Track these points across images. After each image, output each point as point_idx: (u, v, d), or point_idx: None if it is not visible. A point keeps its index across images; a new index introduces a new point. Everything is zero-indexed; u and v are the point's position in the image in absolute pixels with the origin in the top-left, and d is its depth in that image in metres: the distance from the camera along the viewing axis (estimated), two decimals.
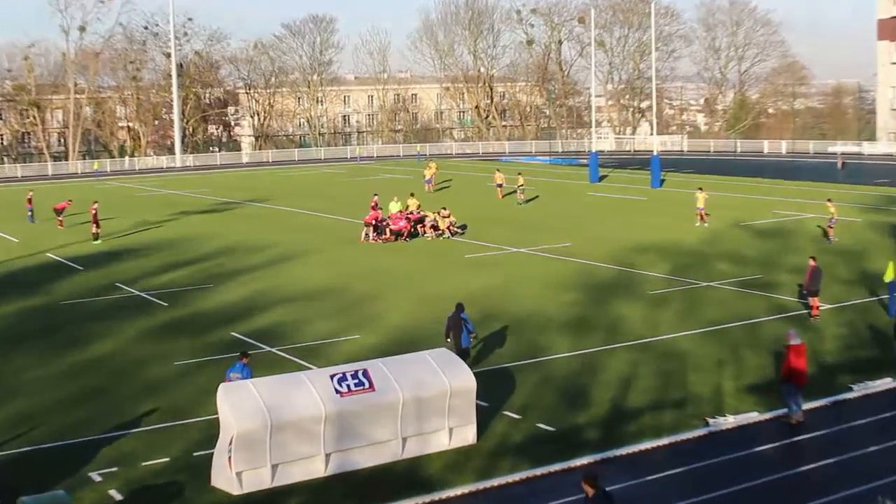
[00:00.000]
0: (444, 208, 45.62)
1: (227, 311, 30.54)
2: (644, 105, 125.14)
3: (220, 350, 25.61)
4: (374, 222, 43.32)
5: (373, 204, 46.22)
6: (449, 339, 22.32)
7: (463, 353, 21.89)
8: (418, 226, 44.59)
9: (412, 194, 49.13)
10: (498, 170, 64.70)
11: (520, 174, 60.21)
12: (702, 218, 46.72)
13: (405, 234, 43.53)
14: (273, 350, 25.46)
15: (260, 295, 32.82)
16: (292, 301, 31.68)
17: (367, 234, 43.43)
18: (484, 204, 57.36)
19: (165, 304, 31.79)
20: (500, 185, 60.62)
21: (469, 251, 40.71)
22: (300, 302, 31.51)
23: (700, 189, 47.99)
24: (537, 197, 59.91)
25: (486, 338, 25.49)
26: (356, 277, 35.35)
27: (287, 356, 24.75)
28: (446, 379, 18.24)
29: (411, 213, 45.43)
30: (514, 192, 58.29)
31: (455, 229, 44.57)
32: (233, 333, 27.50)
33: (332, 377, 17.67)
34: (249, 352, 20.41)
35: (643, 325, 27.37)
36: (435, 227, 44.10)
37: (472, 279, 34.35)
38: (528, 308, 29.52)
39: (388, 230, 43.47)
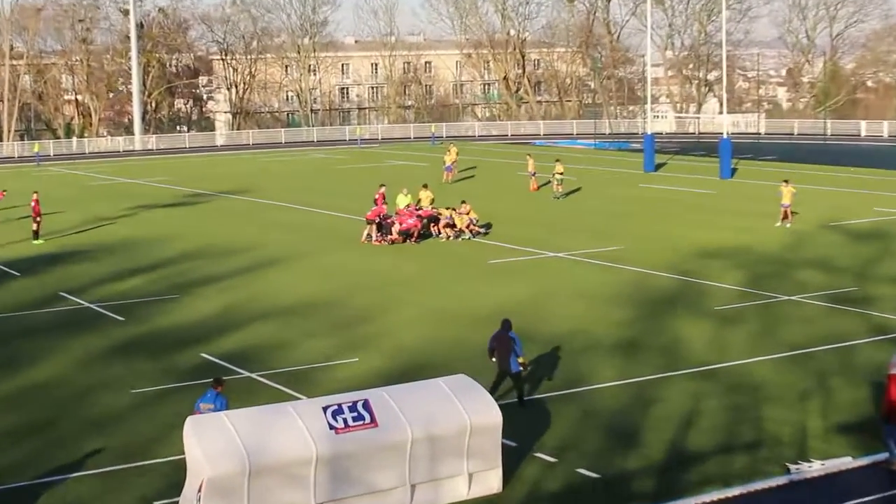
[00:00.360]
0: (464, 202, 45.67)
1: (196, 327, 30.73)
2: (712, 77, 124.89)
3: (187, 375, 25.67)
4: (377, 219, 43.23)
5: (377, 197, 46.21)
6: (493, 360, 22.69)
7: (513, 379, 22.46)
8: (431, 224, 44.54)
9: (425, 186, 49.28)
10: (530, 155, 64.75)
11: (557, 161, 60.29)
12: (785, 216, 46.67)
13: (415, 235, 43.56)
14: (253, 376, 25.56)
15: (237, 308, 33.04)
16: (277, 316, 31.89)
17: (369, 235, 43.48)
18: (513, 197, 57.72)
19: (121, 319, 32.02)
20: (534, 175, 60.68)
21: (494, 255, 40.96)
22: (286, 317, 31.75)
23: (786, 182, 47.94)
24: (579, 189, 59.99)
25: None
26: (355, 287, 35.67)
27: (270, 383, 24.87)
28: (465, 412, 18.29)
29: (422, 208, 45.44)
30: (550, 182, 58.17)
31: (477, 228, 44.68)
32: (203, 355, 27.66)
33: (325, 409, 17.79)
34: (224, 378, 20.50)
35: (709, 349, 27.37)
36: (452, 226, 44.11)
37: (498, 290, 34.53)
38: (567, 326, 29.74)
39: (394, 229, 43.46)
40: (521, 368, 22.82)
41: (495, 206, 52.49)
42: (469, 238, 44.29)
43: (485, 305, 31.89)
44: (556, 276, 36.90)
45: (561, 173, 57.57)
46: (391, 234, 43.51)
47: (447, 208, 45.44)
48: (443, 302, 33.22)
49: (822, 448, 20.33)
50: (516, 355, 22.51)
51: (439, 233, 44.43)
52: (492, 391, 21.61)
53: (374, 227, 43.50)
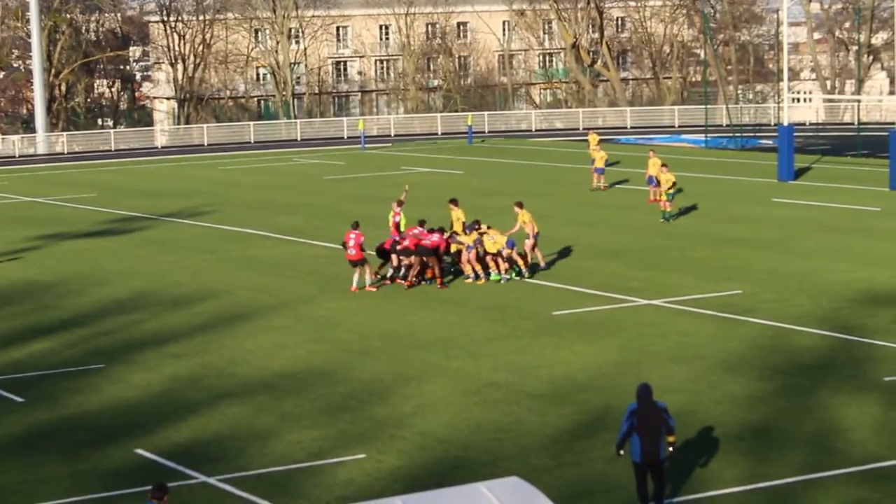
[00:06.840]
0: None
1: (129, 411, 28.00)
2: (878, 40, 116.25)
3: (116, 482, 23.52)
4: (389, 247, 39.29)
5: (395, 219, 41.88)
6: (622, 454, 20.97)
7: (656, 472, 20.42)
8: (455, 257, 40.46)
9: (453, 201, 44.08)
10: (653, 151, 58.54)
11: (664, 165, 54.56)
12: None
13: (434, 270, 38.72)
14: (210, 481, 23.32)
15: (188, 383, 30.20)
16: (246, 394, 29.00)
17: (381, 275, 39.49)
18: (588, 216, 53.35)
19: (19, 400, 29.23)
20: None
21: (560, 303, 37.36)
22: (259, 395, 28.85)
23: None
24: (683, 208, 54.81)
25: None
26: (359, 351, 32.69)
27: (236, 492, 22.83)
28: None
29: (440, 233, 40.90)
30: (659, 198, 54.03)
31: (541, 258, 40.21)
32: (139, 451, 25.17)
33: None
34: (168, 485, 18.52)
35: (877, 439, 24.68)
36: (508, 259, 39.16)
37: (567, 355, 31.43)
38: (667, 404, 25.57)
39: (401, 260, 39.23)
40: (670, 451, 20.87)
41: (563, 229, 48.20)
42: (523, 277, 39.77)
43: (547, 377, 28.84)
44: (651, 335, 33.46)
45: (675, 183, 52.14)
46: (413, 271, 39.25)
47: (476, 229, 40.04)
48: (486, 372, 30.18)
49: None
50: (669, 432, 20.59)
51: (482, 271, 39.28)
52: (641, 499, 20.47)
53: (393, 259, 39.26)
